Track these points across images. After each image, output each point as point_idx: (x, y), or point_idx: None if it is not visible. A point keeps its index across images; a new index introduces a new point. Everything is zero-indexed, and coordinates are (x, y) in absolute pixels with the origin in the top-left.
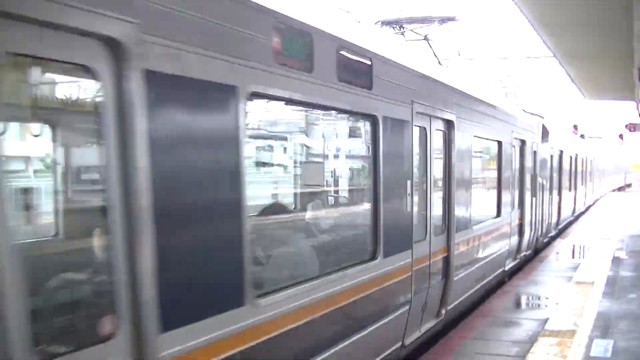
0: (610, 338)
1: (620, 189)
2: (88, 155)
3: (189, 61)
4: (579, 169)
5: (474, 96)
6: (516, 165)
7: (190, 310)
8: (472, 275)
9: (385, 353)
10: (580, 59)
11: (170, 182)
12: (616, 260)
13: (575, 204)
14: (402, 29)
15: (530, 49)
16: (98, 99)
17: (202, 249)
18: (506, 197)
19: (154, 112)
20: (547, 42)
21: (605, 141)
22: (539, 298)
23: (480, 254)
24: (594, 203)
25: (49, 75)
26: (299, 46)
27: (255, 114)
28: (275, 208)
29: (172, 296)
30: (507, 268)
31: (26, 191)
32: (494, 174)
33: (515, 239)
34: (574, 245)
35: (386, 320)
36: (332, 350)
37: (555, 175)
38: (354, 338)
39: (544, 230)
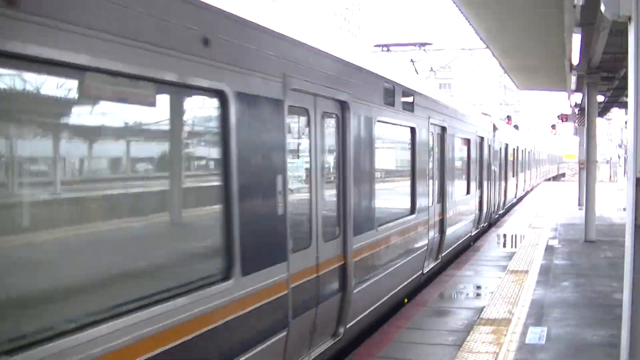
0: (544, 325)
1: (555, 178)
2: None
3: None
4: (520, 159)
5: (376, 73)
6: (455, 155)
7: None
8: (378, 284)
9: None
10: (514, 50)
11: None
12: (549, 249)
13: (517, 189)
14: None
15: (465, 41)
16: None
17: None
18: (423, 190)
19: None
20: (481, 34)
21: (541, 132)
22: (474, 287)
23: (389, 259)
24: (531, 189)
25: None
26: None
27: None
28: None
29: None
30: (425, 270)
31: None
32: (415, 165)
33: (436, 236)
34: (509, 235)
35: (253, 352)
36: None
37: (502, 164)
38: None
39: (495, 208)
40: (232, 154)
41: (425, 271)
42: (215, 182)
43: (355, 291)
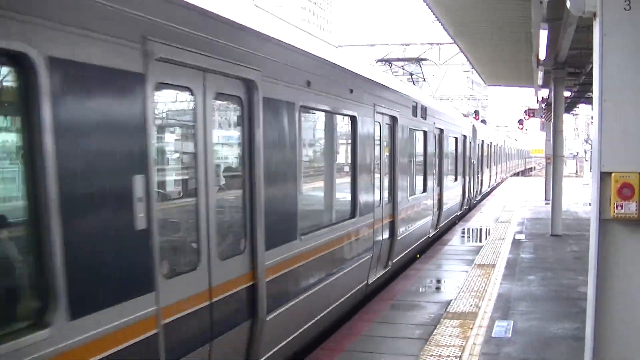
0: (511, 319)
1: (523, 172)
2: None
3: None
4: (492, 153)
5: (300, 48)
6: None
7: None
8: (304, 305)
9: None
10: (481, 45)
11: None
12: (516, 243)
13: (490, 180)
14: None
15: (434, 35)
16: None
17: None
18: (368, 189)
19: None
20: (448, 29)
21: (509, 127)
22: (441, 281)
23: (319, 274)
24: (502, 181)
25: None
26: None
27: None
28: None
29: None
30: (371, 281)
31: None
32: (356, 161)
33: (386, 240)
34: (476, 229)
35: None
36: None
37: (478, 159)
38: None
39: (474, 195)
40: (45, 148)
41: (370, 281)
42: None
43: (269, 317)
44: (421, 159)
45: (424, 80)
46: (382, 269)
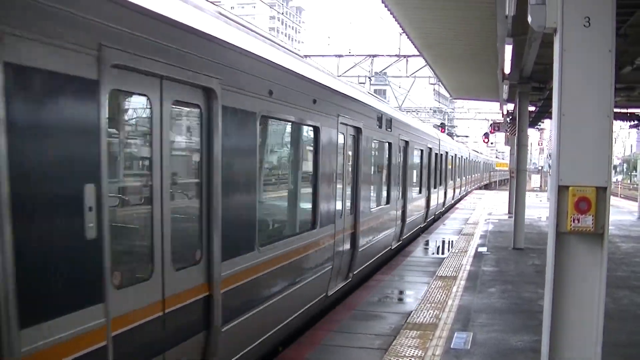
0: (470, 330)
1: (487, 186)
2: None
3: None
4: (457, 166)
5: (262, 57)
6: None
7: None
8: (261, 316)
9: None
10: (447, 59)
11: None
12: (478, 256)
13: (454, 192)
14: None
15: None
16: None
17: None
18: (329, 200)
19: None
20: (415, 42)
21: (475, 141)
22: (402, 292)
23: (277, 285)
24: (466, 194)
25: None
26: None
27: None
28: None
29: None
30: (330, 292)
31: None
32: (318, 171)
33: (346, 252)
34: (439, 241)
35: None
36: None
37: (443, 171)
38: None
39: (438, 207)
40: None
41: (330, 293)
42: None
43: (225, 329)
44: (385, 170)
45: (369, 77)
46: (343, 280)
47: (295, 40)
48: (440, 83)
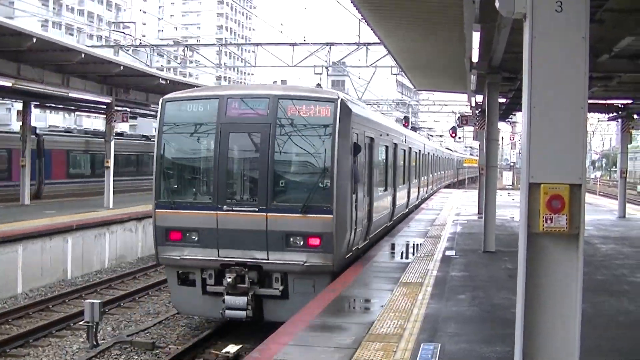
0: (438, 341)
1: (459, 184)
2: None
3: None
4: (422, 162)
5: None
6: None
7: None
8: None
9: None
10: (411, 47)
11: None
12: (446, 260)
13: (419, 192)
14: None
15: (357, 36)
16: None
17: None
18: None
19: None
20: (376, 30)
21: (442, 135)
22: (363, 301)
23: None
24: (434, 192)
25: None
26: None
27: None
28: None
29: None
30: None
31: None
32: None
33: None
34: (402, 245)
35: None
36: None
37: (408, 168)
38: None
39: (404, 206)
40: None
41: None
42: None
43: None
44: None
45: (326, 67)
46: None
47: (246, 27)
48: (403, 74)
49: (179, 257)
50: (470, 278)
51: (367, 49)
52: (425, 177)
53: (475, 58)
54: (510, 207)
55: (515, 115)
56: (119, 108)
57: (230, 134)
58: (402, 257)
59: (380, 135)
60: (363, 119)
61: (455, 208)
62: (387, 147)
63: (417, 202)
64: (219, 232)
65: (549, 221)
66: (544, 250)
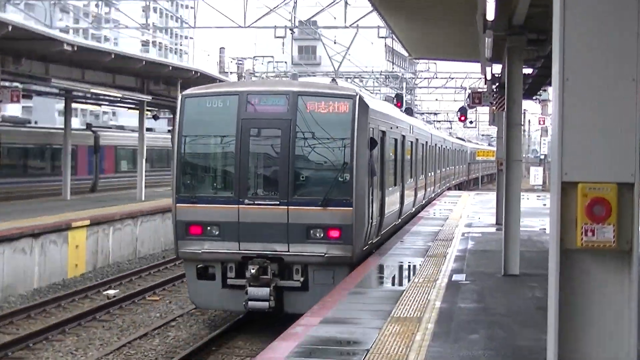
0: None
1: (472, 183)
2: None
3: None
4: (422, 157)
5: None
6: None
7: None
8: None
9: None
10: (404, 2)
11: None
12: (453, 287)
13: (434, 186)
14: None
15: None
16: None
17: None
18: None
19: None
20: None
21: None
22: (343, 342)
23: None
24: (441, 193)
25: None
26: None
27: None
28: None
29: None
30: None
31: None
32: None
33: None
34: (396, 267)
35: None
36: None
37: (422, 161)
38: None
39: (419, 199)
40: None
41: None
42: None
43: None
44: None
45: (290, 29)
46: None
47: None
48: (394, 37)
49: (199, 251)
50: (485, 312)
51: (346, 3)
52: (433, 173)
53: (490, 15)
54: (540, 214)
55: (546, 91)
56: (6, 84)
57: (250, 129)
58: (394, 284)
59: (391, 128)
60: (377, 113)
61: (465, 217)
62: (396, 140)
63: (423, 202)
64: (241, 226)
65: (589, 233)
66: (583, 272)
